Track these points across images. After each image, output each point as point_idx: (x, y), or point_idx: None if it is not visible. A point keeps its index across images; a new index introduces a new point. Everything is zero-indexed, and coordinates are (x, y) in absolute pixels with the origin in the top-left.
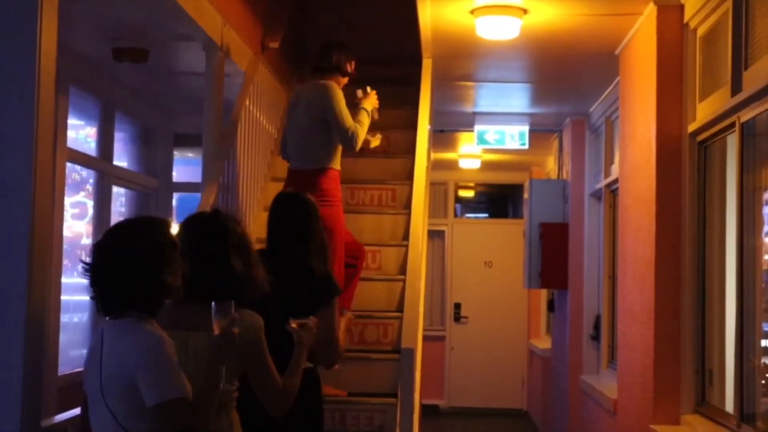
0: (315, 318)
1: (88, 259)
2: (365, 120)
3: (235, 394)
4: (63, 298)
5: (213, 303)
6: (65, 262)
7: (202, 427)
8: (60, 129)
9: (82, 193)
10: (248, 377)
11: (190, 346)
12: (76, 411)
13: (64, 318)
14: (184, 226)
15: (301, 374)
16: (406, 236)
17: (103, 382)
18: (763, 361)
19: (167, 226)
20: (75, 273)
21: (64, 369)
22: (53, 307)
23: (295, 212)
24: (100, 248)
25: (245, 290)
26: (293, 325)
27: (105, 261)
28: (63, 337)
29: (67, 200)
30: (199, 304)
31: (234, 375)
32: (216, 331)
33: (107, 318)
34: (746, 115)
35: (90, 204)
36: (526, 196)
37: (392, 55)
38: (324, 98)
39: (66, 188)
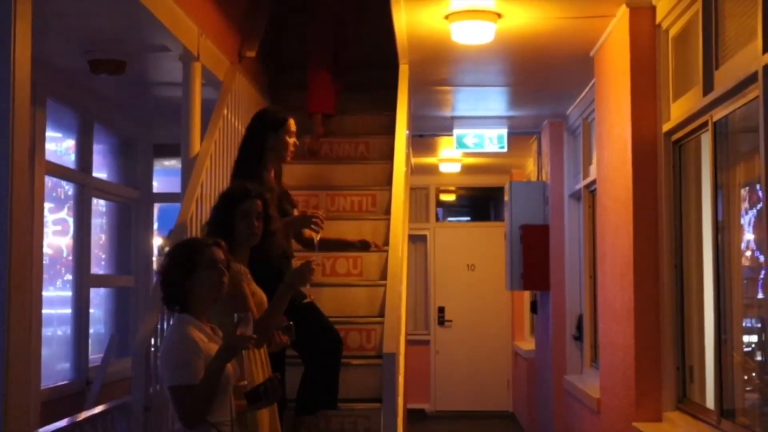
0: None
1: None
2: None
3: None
4: (45, 311)
5: (235, 315)
6: (45, 276)
7: (204, 414)
8: (38, 142)
9: (66, 210)
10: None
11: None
12: (60, 424)
13: (47, 332)
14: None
15: (278, 315)
16: (387, 241)
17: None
18: (743, 356)
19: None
20: (51, 287)
21: (47, 383)
22: (35, 320)
23: None
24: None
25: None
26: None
27: (162, 270)
28: (46, 351)
29: (51, 217)
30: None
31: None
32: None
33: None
34: (718, 114)
35: (71, 221)
36: (506, 198)
37: (369, 60)
38: None
39: (50, 205)
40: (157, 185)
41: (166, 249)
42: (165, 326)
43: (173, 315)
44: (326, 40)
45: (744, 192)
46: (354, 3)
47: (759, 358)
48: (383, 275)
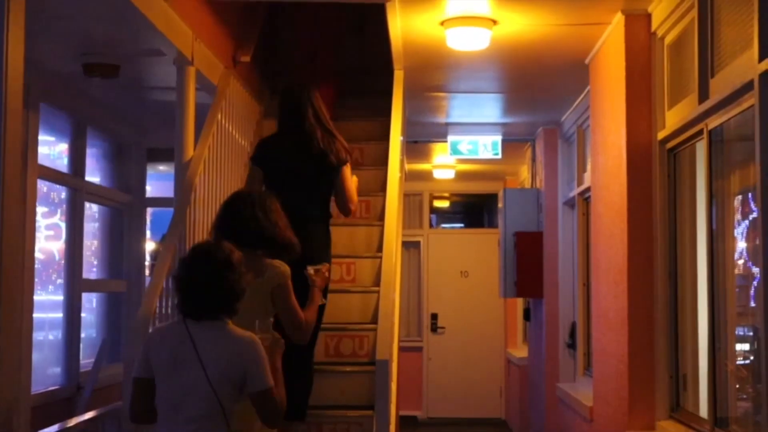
0: (327, 264)
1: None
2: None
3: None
4: (36, 316)
5: (257, 321)
6: (37, 280)
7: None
8: (31, 146)
9: (58, 215)
10: (278, 314)
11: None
12: (51, 429)
13: (38, 336)
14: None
15: (316, 310)
16: (380, 248)
17: (210, 372)
18: (737, 365)
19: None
20: (42, 292)
21: (37, 388)
22: (26, 324)
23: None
24: (186, 264)
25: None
26: (310, 271)
27: (194, 274)
28: (37, 356)
29: (43, 221)
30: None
31: (270, 314)
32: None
33: (188, 319)
34: (713, 122)
35: (64, 226)
36: (500, 205)
37: (364, 66)
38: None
39: (43, 209)
40: (151, 190)
41: (222, 259)
42: None
43: (212, 321)
44: (303, 49)
45: (737, 202)
46: (340, 9)
47: (753, 366)
48: (376, 281)
